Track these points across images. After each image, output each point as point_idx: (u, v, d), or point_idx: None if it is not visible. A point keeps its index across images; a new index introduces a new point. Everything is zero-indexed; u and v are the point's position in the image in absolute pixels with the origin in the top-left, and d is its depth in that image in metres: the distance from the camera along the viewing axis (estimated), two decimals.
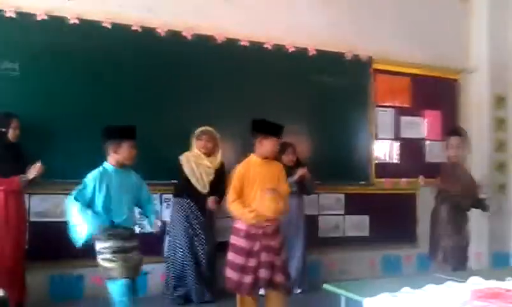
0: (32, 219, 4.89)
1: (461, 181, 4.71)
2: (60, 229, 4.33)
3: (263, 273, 3.92)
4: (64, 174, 4.83)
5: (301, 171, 5.32)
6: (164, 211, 5.42)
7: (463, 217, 4.81)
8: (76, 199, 3.62)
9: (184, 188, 5.10)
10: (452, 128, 5.21)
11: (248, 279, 3.91)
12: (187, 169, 5.07)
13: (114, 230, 3.74)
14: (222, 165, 5.22)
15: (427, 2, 6.99)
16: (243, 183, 4.01)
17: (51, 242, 4.74)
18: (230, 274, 3.98)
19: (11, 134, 4.53)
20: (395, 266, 6.56)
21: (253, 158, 4.10)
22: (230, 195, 4.02)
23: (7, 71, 4.87)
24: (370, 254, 6.45)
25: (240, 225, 4.00)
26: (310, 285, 5.40)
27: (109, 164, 3.82)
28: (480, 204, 4.84)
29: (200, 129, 5.19)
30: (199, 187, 5.06)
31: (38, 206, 4.91)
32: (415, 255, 6.56)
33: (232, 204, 4.00)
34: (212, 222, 5.23)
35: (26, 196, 4.79)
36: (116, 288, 3.69)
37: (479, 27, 7.15)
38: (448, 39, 7.07)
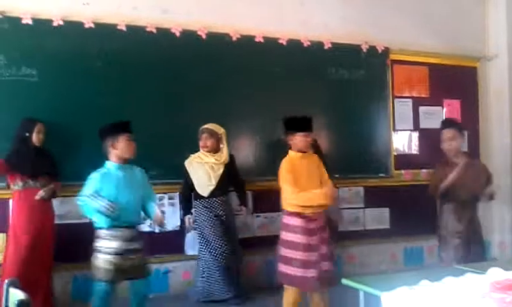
0: (55, 221, 4.96)
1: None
2: (82, 231, 4.41)
3: (325, 266, 4.00)
4: (84, 177, 4.89)
5: None
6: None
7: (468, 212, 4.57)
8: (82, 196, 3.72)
9: (190, 191, 5.19)
10: (445, 121, 4.97)
11: (312, 272, 3.94)
12: (190, 172, 5.13)
13: (117, 230, 3.75)
14: (231, 158, 5.29)
15: None
16: (295, 176, 4.07)
17: (73, 244, 4.80)
18: (288, 270, 3.99)
19: (35, 138, 4.63)
20: (416, 258, 6.51)
21: (291, 153, 4.20)
22: (290, 189, 4.00)
23: (25, 77, 4.94)
24: (391, 246, 6.42)
25: (296, 221, 4.02)
26: None
27: (110, 162, 3.85)
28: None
29: (200, 128, 5.19)
30: (199, 190, 5.10)
31: (60, 208, 4.96)
32: (436, 246, 6.48)
33: (297, 195, 3.98)
34: (231, 220, 5.26)
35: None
36: (97, 290, 3.72)
37: (497, 14, 7.04)
38: (466, 26, 6.99)
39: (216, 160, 5.14)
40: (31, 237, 4.49)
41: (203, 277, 5.06)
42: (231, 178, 5.24)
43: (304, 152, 4.22)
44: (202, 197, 5.09)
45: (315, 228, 4.04)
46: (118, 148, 3.84)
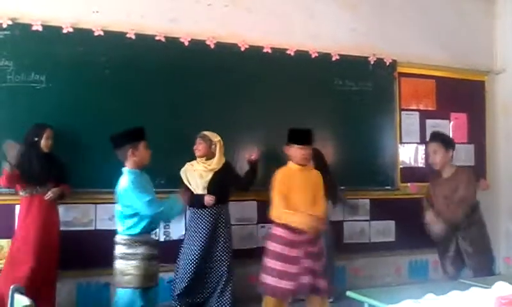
0: (60, 228, 4.96)
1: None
2: (87, 238, 4.43)
3: (305, 279, 3.98)
4: (91, 184, 4.94)
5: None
6: None
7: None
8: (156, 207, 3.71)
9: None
10: (431, 134, 4.97)
11: (288, 284, 3.95)
12: (184, 180, 5.09)
13: (145, 236, 3.74)
14: (225, 165, 5.16)
15: (451, 4, 6.93)
16: (287, 188, 4.09)
17: (78, 251, 4.82)
18: (267, 279, 4.02)
19: (44, 144, 4.67)
20: (421, 271, 6.49)
21: (290, 165, 4.20)
22: (277, 202, 4.03)
23: (34, 83, 4.98)
24: (396, 259, 6.40)
25: (281, 232, 4.05)
26: (335, 292, 5.32)
27: (128, 169, 3.81)
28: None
29: None
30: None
31: (66, 215, 4.98)
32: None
33: (281, 211, 4.02)
34: (222, 231, 5.10)
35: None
36: (128, 296, 3.67)
37: (505, 28, 7.05)
38: (473, 40, 7.00)
39: (204, 167, 5.08)
40: (37, 244, 4.49)
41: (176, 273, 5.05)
42: (226, 186, 5.12)
43: (303, 165, 4.21)
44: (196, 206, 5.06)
45: (299, 241, 4.02)
46: (138, 155, 3.81)
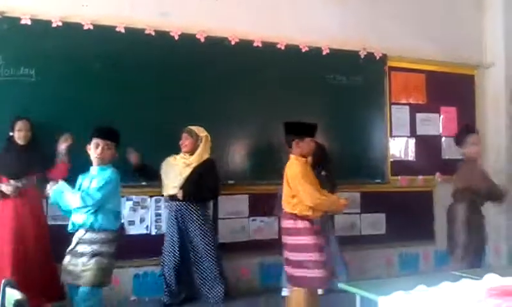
0: (49, 222, 4.93)
1: (476, 177, 4.76)
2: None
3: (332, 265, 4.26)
4: None
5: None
6: None
7: (480, 215, 4.80)
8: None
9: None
10: (468, 127, 5.24)
11: (326, 273, 4.04)
12: (162, 171, 5.13)
13: (74, 231, 3.72)
14: (206, 162, 5.13)
15: None
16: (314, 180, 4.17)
17: (67, 245, 4.78)
18: (313, 273, 4.00)
19: (17, 136, 4.66)
20: (412, 264, 6.52)
21: (302, 158, 4.19)
22: (313, 188, 4.03)
23: (23, 77, 4.94)
24: (387, 252, 6.41)
25: (306, 224, 4.06)
26: None
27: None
28: (495, 193, 4.84)
29: None
30: (163, 189, 5.12)
31: (55, 209, 4.93)
32: (432, 252, 6.53)
33: (322, 196, 4.07)
34: (195, 228, 5.09)
35: (43, 200, 4.86)
36: None
37: (495, 22, 7.06)
38: (463, 34, 7.01)
39: (184, 162, 5.08)
40: (20, 238, 4.51)
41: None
42: (200, 184, 5.03)
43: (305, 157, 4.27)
44: (169, 198, 5.10)
45: (320, 230, 4.16)
46: (90, 154, 3.80)
